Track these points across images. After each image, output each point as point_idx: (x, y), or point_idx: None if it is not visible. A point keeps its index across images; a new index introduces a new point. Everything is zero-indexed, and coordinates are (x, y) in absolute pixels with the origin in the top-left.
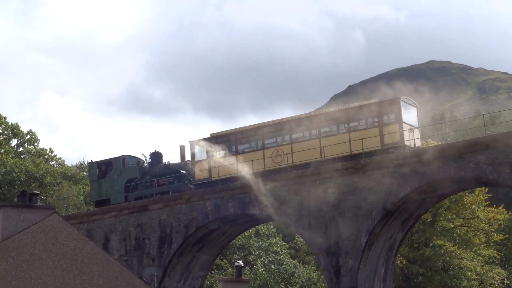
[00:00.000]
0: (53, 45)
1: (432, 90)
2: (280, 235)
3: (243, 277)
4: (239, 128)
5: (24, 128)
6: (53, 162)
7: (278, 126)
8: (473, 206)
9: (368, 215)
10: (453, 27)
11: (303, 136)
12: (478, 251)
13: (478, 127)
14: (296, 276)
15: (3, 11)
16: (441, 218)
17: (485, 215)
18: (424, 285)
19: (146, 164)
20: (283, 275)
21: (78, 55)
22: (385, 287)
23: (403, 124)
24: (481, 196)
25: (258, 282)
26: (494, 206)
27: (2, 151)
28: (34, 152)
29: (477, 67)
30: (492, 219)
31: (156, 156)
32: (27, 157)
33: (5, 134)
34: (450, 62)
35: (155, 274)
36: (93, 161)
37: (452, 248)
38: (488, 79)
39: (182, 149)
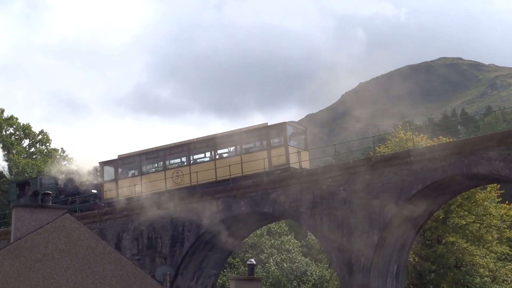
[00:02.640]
0: (58, 47)
1: (443, 87)
2: (292, 233)
3: (255, 276)
4: (144, 149)
5: (35, 129)
6: (65, 162)
7: (178, 148)
8: (485, 203)
9: (380, 212)
10: (458, 24)
11: (202, 157)
12: (490, 247)
13: (490, 124)
14: (309, 274)
15: (8, 14)
16: (453, 215)
17: (497, 212)
18: (436, 282)
19: (61, 184)
20: (295, 273)
21: (83, 57)
22: (397, 284)
23: (290, 147)
24: (493, 193)
25: (270, 280)
26: (507, 202)
27: (14, 151)
28: (46, 152)
29: (488, 63)
30: (504, 215)
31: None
32: (39, 157)
33: (17, 135)
34: (461, 59)
35: (168, 273)
36: (12, 181)
37: (465, 245)
38: (499, 75)
39: (95, 169)
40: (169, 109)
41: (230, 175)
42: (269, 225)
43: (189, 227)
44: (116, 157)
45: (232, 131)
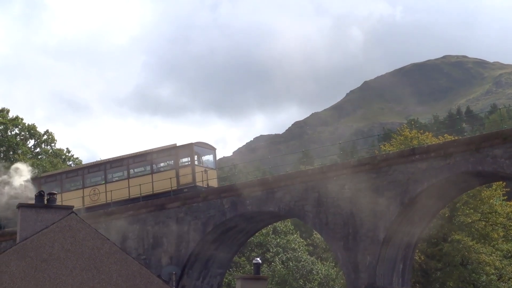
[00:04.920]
0: (58, 48)
1: (448, 85)
2: (298, 232)
3: (261, 274)
4: (64, 169)
5: (39, 129)
6: (70, 162)
7: (96, 168)
8: (491, 201)
9: (386, 210)
10: (455, 21)
11: (117, 176)
12: (496, 245)
13: (495, 121)
14: (314, 272)
15: (7, 15)
16: (459, 213)
17: (503, 210)
18: (442, 280)
19: None
20: (301, 271)
21: (83, 58)
22: (403, 282)
23: (196, 167)
24: (499, 191)
25: (276, 279)
26: None
27: (20, 151)
28: (51, 152)
29: (493, 61)
30: (510, 213)
31: None
32: (44, 157)
33: (22, 135)
34: (466, 57)
35: (174, 272)
36: None
37: (471, 243)
38: (504, 73)
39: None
40: (170, 109)
41: (141, 193)
42: (274, 224)
43: (195, 226)
44: (40, 176)
45: (145, 151)
